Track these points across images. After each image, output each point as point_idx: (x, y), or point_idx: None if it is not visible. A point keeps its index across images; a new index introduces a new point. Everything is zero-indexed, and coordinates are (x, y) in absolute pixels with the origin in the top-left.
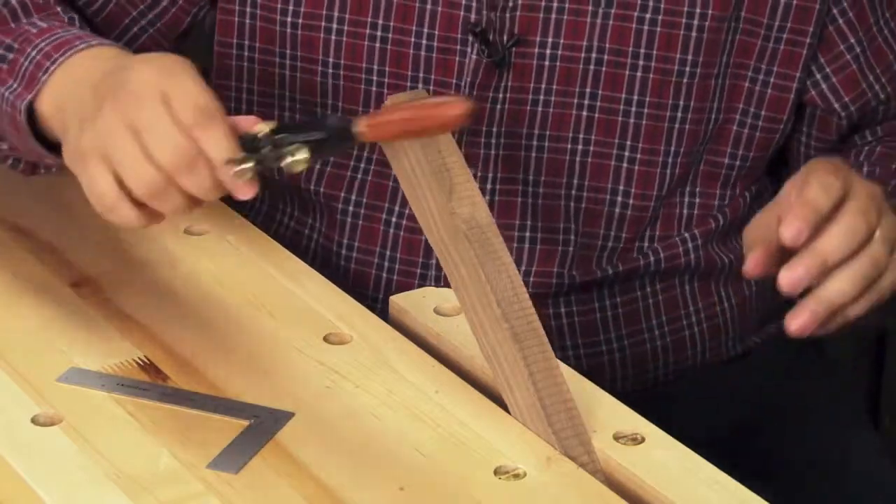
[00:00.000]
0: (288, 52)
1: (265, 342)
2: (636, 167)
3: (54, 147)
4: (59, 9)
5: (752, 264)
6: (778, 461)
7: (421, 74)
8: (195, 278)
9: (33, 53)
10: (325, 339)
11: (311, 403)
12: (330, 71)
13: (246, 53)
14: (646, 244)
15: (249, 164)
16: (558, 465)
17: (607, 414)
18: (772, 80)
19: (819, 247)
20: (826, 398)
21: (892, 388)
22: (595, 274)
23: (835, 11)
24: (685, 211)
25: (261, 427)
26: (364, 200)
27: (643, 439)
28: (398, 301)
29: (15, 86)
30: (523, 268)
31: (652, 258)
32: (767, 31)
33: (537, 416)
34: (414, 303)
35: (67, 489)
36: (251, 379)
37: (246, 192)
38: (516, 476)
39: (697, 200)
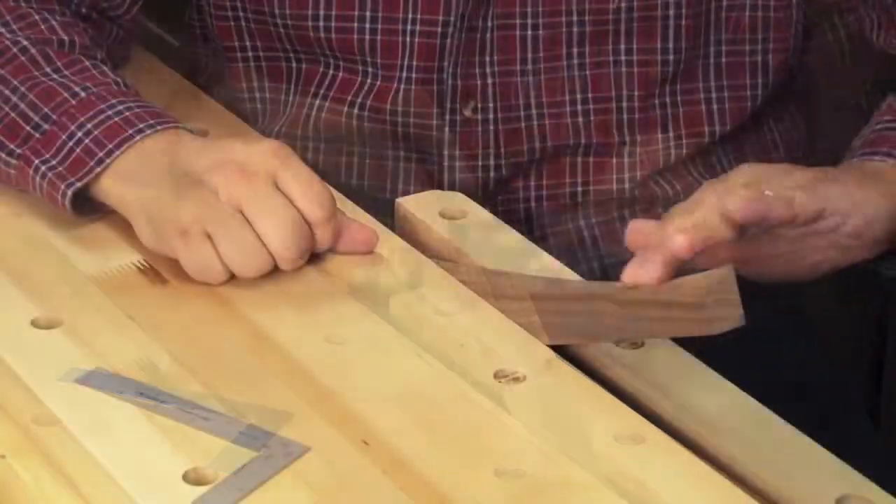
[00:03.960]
0: (277, 10)
1: None
2: (635, 69)
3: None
4: (87, 62)
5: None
6: None
7: (410, 15)
8: None
9: (79, 134)
10: None
11: (310, 307)
12: (321, 14)
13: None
14: (660, 144)
15: None
16: (557, 369)
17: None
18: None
19: None
20: (825, 387)
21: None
22: (611, 181)
23: None
24: (713, 105)
25: (269, 460)
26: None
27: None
28: (404, 203)
29: (54, 163)
30: (533, 182)
31: (673, 152)
32: None
33: None
34: (420, 206)
35: None
36: (250, 283)
37: None
38: (516, 380)
39: (727, 94)
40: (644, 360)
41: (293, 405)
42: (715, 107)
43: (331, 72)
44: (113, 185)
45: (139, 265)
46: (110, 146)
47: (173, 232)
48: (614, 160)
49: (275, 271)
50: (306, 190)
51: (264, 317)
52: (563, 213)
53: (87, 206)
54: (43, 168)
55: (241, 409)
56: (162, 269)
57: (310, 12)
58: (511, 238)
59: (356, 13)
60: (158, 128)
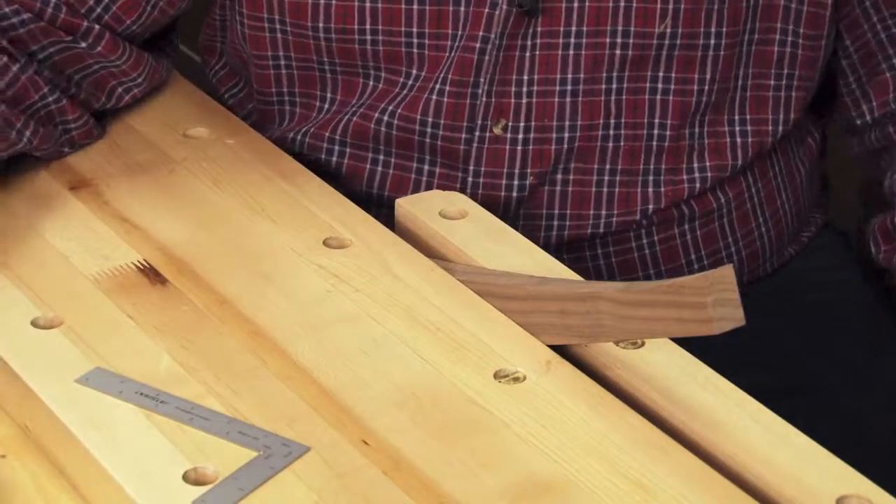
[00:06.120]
0: (321, 24)
1: (264, 245)
2: (671, 98)
3: None
4: None
5: None
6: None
7: (450, 31)
8: (193, 181)
9: None
10: (325, 242)
11: (310, 307)
12: (367, 29)
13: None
14: (685, 175)
15: None
16: (557, 369)
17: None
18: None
19: None
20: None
21: None
22: (635, 213)
23: None
24: (736, 139)
25: (269, 460)
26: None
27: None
28: (404, 203)
29: None
30: (557, 212)
31: (698, 185)
32: None
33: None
34: (420, 206)
35: None
36: (251, 282)
37: None
38: (516, 380)
39: (749, 128)
40: (644, 360)
41: (293, 405)
42: (738, 140)
43: (371, 83)
44: None
45: (139, 265)
46: None
47: None
48: (639, 190)
49: (274, 271)
50: None
51: (264, 316)
52: (584, 239)
53: None
54: None
55: (242, 409)
56: (162, 269)
57: (356, 27)
58: (511, 238)
59: (403, 28)
60: None
